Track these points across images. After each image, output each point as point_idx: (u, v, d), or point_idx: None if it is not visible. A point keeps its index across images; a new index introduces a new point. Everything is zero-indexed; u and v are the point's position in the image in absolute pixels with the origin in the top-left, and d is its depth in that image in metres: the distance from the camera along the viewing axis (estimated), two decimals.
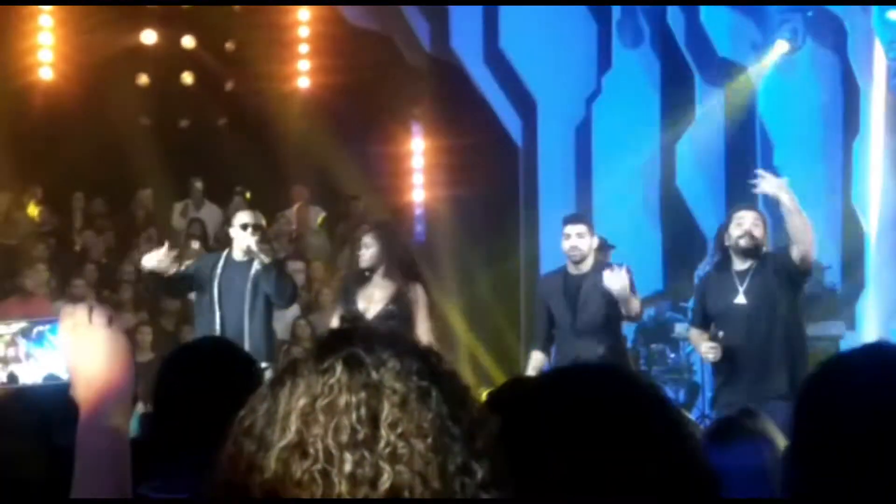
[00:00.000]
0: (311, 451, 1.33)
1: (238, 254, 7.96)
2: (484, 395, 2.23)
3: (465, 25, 13.02)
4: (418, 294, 7.60)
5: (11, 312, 9.70)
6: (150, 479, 2.72)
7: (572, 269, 7.55)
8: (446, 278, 12.78)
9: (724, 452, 2.90)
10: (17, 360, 1.99)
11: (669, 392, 10.60)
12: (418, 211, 14.40)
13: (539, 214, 12.74)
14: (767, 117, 13.12)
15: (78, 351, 1.87)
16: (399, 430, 1.33)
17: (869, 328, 12.27)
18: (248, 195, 14.12)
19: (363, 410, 1.34)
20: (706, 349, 6.82)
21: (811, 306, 11.68)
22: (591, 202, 12.85)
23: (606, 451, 1.63)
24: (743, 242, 6.86)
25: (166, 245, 8.03)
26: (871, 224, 13.10)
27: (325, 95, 14.26)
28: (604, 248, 11.73)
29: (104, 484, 1.82)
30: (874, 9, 12.81)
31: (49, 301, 11.05)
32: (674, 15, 13.11)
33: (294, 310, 11.17)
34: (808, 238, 6.79)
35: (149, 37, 14.43)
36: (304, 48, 14.72)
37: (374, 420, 1.33)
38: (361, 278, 7.56)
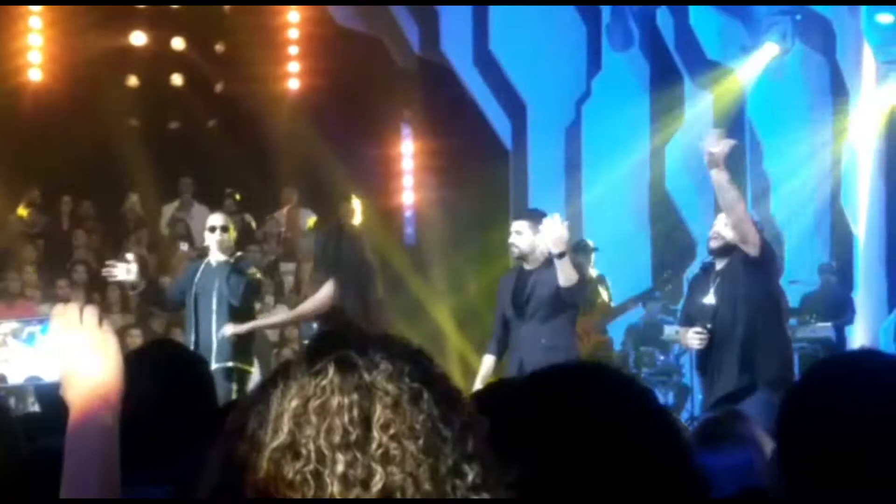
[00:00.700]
0: (304, 451, 1.33)
1: (212, 259, 8.23)
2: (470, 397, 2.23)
3: (454, 28, 13.02)
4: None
5: None
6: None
7: (525, 266, 7.55)
8: (436, 280, 12.78)
9: (710, 454, 2.90)
10: (6, 360, 1.99)
11: (658, 395, 10.60)
12: (408, 213, 14.39)
13: None
14: (756, 119, 13.14)
15: (68, 351, 1.87)
16: (391, 431, 1.33)
17: (859, 330, 12.31)
18: (238, 197, 14.10)
19: (355, 412, 1.34)
20: (691, 335, 6.80)
21: (803, 308, 11.74)
22: (580, 204, 12.86)
23: (591, 450, 1.63)
24: (712, 244, 6.88)
25: (131, 257, 8.23)
26: (861, 226, 13.14)
27: (314, 97, 14.26)
28: (585, 249, 11.78)
29: (94, 484, 1.82)
30: (863, 10, 12.84)
31: (34, 305, 11.03)
32: (663, 18, 13.13)
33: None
34: (737, 209, 6.70)
35: (138, 38, 14.41)
36: (294, 50, 14.72)
37: (366, 421, 1.34)
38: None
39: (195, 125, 14.71)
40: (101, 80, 13.85)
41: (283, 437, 1.35)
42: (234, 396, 7.52)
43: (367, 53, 13.75)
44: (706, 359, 6.85)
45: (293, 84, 14.75)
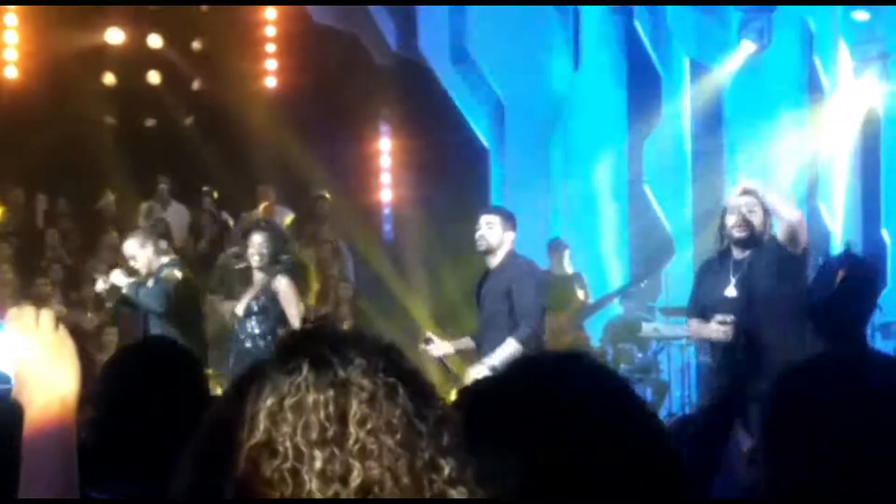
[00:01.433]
0: (281, 449, 1.33)
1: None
2: (454, 394, 2.23)
3: (432, 25, 13.02)
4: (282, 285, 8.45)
5: None
6: (94, 482, 2.69)
7: (489, 263, 7.44)
8: (414, 277, 12.78)
9: (685, 448, 2.91)
10: None
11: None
12: (386, 211, 14.38)
13: None
14: (733, 117, 13.19)
15: (23, 353, 1.86)
16: (368, 426, 1.33)
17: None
18: (215, 195, 14.05)
19: (331, 408, 1.34)
20: (715, 327, 6.45)
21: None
22: (558, 202, 12.88)
23: (567, 438, 1.63)
24: (737, 232, 6.50)
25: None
26: (837, 223, 13.21)
27: (292, 95, 14.22)
28: (559, 247, 11.80)
29: (52, 484, 1.82)
30: (839, 9, 12.91)
31: (8, 303, 10.97)
32: (640, 16, 13.16)
33: None
34: (787, 212, 6.50)
35: (115, 36, 14.34)
36: (270, 47, 14.67)
37: (342, 417, 1.33)
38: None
39: (172, 123, 14.66)
40: (77, 78, 13.79)
41: (259, 435, 1.34)
42: None
43: (344, 51, 13.73)
44: (725, 350, 6.46)
45: (270, 82, 14.72)
